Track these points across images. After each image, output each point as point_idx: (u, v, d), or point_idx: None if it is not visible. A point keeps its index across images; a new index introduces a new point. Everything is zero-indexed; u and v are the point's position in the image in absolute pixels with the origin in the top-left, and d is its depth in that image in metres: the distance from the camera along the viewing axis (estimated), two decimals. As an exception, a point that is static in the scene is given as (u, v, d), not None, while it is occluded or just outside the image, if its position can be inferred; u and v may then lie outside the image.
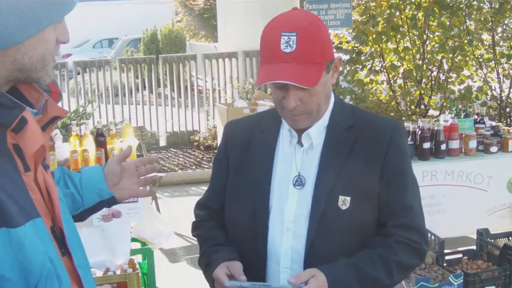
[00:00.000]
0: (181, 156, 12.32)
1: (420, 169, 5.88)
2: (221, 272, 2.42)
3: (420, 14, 10.37)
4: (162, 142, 13.28)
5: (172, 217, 8.20)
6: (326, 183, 2.43)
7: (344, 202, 2.41)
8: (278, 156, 2.55)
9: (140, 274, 5.51)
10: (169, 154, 12.48)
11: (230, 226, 2.65)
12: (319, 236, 2.40)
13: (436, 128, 6.09)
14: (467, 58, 10.65)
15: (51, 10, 1.89)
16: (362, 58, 10.58)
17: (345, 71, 10.65)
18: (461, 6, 10.27)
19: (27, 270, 1.82)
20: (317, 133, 2.50)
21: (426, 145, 5.99)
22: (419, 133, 6.02)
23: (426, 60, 10.45)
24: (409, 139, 6.02)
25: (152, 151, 12.25)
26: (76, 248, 2.05)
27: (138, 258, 6.07)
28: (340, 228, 2.41)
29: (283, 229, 2.47)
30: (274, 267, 2.49)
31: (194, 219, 2.85)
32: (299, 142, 2.52)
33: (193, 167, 11.45)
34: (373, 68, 10.67)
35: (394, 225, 2.46)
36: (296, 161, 2.51)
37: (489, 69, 10.96)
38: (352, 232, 2.43)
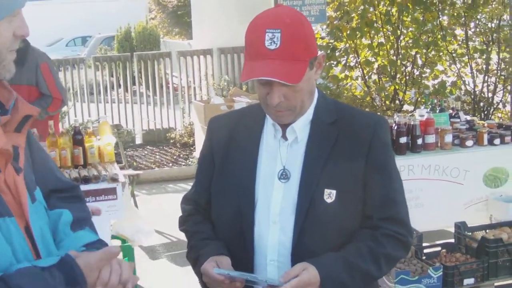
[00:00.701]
0: (157, 153, 12.31)
1: (397, 164, 5.85)
2: (210, 267, 2.44)
3: (394, 10, 10.44)
4: (138, 140, 13.28)
5: (150, 214, 8.20)
6: (312, 176, 2.47)
7: (329, 195, 2.44)
8: (262, 151, 2.58)
9: (120, 271, 5.50)
10: (146, 152, 12.46)
11: (216, 220, 2.67)
12: (306, 229, 2.44)
13: (412, 123, 6.14)
14: (441, 53, 10.73)
15: (1, 4, 1.87)
16: (337, 54, 10.61)
17: (320, 67, 10.68)
18: (434, 1, 10.34)
19: None
20: (301, 127, 2.53)
21: (403, 139, 6.04)
22: (395, 128, 6.07)
23: (400, 56, 10.51)
24: (385, 134, 6.08)
25: (128, 149, 12.22)
26: (52, 252, 2.06)
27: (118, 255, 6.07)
28: (326, 221, 2.45)
29: (269, 222, 2.50)
30: (261, 260, 2.52)
31: (176, 214, 2.87)
32: (284, 136, 2.55)
33: (170, 164, 11.45)
34: (347, 64, 10.72)
35: (380, 218, 2.50)
36: (281, 155, 2.53)
37: (463, 64, 11.04)
38: (338, 224, 2.47)
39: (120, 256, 5.58)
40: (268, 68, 2.30)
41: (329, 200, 2.44)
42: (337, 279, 2.38)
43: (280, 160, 2.53)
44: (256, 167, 2.56)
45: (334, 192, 2.45)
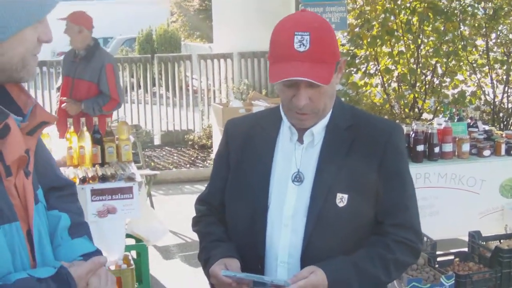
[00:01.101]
0: (175, 154, 12.36)
1: (413, 171, 5.83)
2: (218, 269, 2.46)
3: (414, 19, 10.41)
4: (157, 141, 13.33)
5: (166, 215, 8.23)
6: (325, 180, 2.49)
7: (341, 199, 2.46)
8: (278, 153, 2.60)
9: (134, 270, 5.55)
10: (164, 153, 12.52)
11: (230, 221, 2.69)
12: (316, 232, 2.46)
13: (429, 131, 6.14)
14: (461, 63, 10.69)
15: (30, 10, 1.91)
16: (357, 61, 10.60)
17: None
18: (455, 11, 10.32)
19: None
20: (317, 131, 2.56)
21: (420, 147, 6.05)
22: (412, 135, 6.08)
23: (420, 64, 10.48)
24: (403, 141, 6.08)
25: (146, 149, 12.28)
26: (46, 256, 2.10)
27: (132, 254, 6.12)
28: (337, 225, 2.46)
29: (281, 224, 2.52)
30: (272, 262, 2.54)
31: (192, 215, 2.89)
32: (299, 140, 2.57)
33: (188, 165, 11.49)
34: (367, 71, 10.70)
35: (391, 224, 2.52)
36: (296, 158, 2.56)
37: (483, 74, 11.01)
38: (349, 229, 2.48)
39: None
40: (299, 69, 2.33)
41: (341, 205, 2.46)
42: (345, 283, 2.40)
43: (295, 163, 2.56)
44: (271, 170, 2.59)
45: (346, 196, 2.47)
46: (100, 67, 7.42)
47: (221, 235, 2.70)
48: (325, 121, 2.57)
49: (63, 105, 7.43)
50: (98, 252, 2.30)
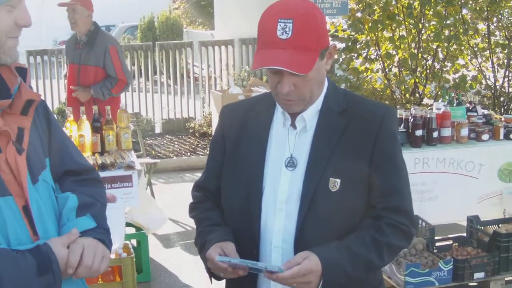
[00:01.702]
0: (176, 142, 12.36)
1: (412, 156, 5.93)
2: (214, 252, 2.47)
3: (416, 3, 10.39)
4: (158, 129, 13.33)
5: (166, 203, 8.25)
6: (317, 165, 2.50)
7: (334, 184, 2.47)
8: (272, 138, 2.61)
9: (134, 258, 5.57)
10: (165, 141, 12.52)
11: (225, 206, 2.71)
12: (310, 217, 2.47)
13: (428, 116, 6.13)
14: (462, 47, 10.66)
15: None
16: (358, 46, 10.59)
17: (341, 59, 10.67)
18: (456, -5, 10.29)
19: None
20: (310, 116, 2.56)
21: (418, 132, 6.04)
22: (411, 120, 6.07)
23: (421, 49, 10.47)
24: (401, 126, 6.07)
25: (147, 138, 12.29)
26: (49, 231, 2.16)
27: (132, 243, 6.14)
28: (330, 210, 2.47)
29: (275, 209, 2.53)
30: (267, 246, 2.55)
31: (190, 202, 2.90)
32: (293, 125, 2.58)
33: (188, 153, 11.50)
34: (368, 57, 10.69)
35: (384, 208, 2.52)
36: (289, 143, 2.57)
37: (484, 59, 11.00)
38: (342, 213, 2.49)
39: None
40: (279, 58, 2.33)
41: (333, 189, 2.47)
42: (339, 268, 2.40)
43: (288, 148, 2.57)
44: (265, 155, 2.60)
45: (338, 181, 2.47)
46: (104, 51, 7.47)
47: (217, 220, 2.71)
48: (317, 105, 2.57)
49: (73, 93, 7.48)
50: (98, 229, 2.33)
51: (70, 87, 7.58)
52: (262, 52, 2.41)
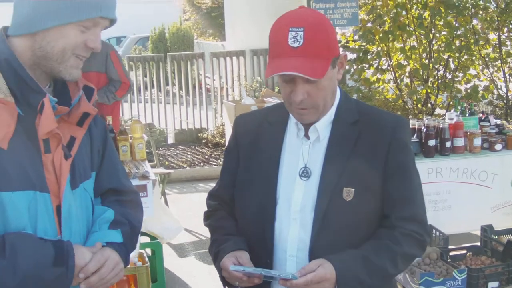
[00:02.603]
0: (189, 153, 12.40)
1: (425, 166, 5.94)
2: (228, 261, 2.50)
3: (426, 14, 10.41)
4: (171, 140, 13.37)
5: (180, 213, 8.28)
6: (331, 175, 2.52)
7: (348, 193, 2.49)
8: (285, 148, 2.64)
9: (149, 267, 5.59)
10: (178, 151, 12.55)
11: (239, 215, 2.74)
12: (324, 226, 2.49)
13: (441, 126, 6.15)
14: (474, 58, 10.69)
15: (74, 10, 2.13)
16: (369, 57, 10.62)
17: (352, 70, 10.70)
18: (467, 5, 10.30)
19: (5, 231, 2.09)
20: (323, 127, 2.59)
21: (431, 142, 6.05)
22: (424, 130, 6.08)
23: (433, 59, 10.49)
24: (414, 136, 6.09)
25: (160, 148, 12.33)
26: (73, 233, 2.27)
27: (147, 252, 6.16)
28: (344, 219, 2.50)
29: (290, 219, 2.56)
30: (281, 255, 2.58)
31: (205, 210, 2.94)
32: (306, 135, 2.61)
33: (201, 164, 11.53)
34: (379, 67, 10.71)
35: (398, 217, 2.54)
36: (303, 154, 2.59)
37: (496, 69, 11.01)
38: (356, 223, 2.51)
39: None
40: (292, 64, 2.36)
41: (347, 199, 2.49)
42: (353, 276, 2.42)
43: (302, 158, 2.59)
44: (279, 165, 2.63)
45: (352, 190, 2.49)
46: (105, 56, 7.56)
47: (231, 229, 2.74)
48: (330, 116, 2.60)
49: None
50: (122, 246, 2.42)
51: None
52: (274, 60, 2.44)
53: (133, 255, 5.57)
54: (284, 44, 2.38)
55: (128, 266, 5.40)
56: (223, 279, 2.62)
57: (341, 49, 10.38)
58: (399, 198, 2.55)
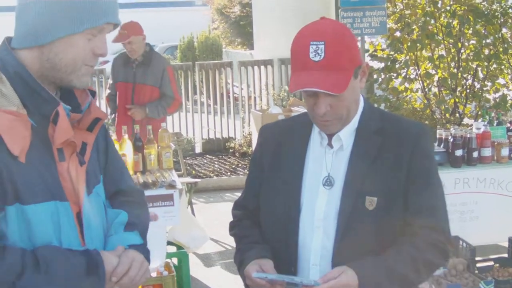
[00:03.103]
0: (216, 162, 12.43)
1: (452, 176, 5.91)
2: (252, 269, 2.53)
3: (455, 22, 10.37)
4: (198, 149, 13.41)
5: (207, 222, 8.30)
6: (354, 184, 2.54)
7: (371, 202, 2.51)
8: (309, 157, 2.66)
9: (175, 277, 5.62)
10: (205, 161, 12.59)
11: (264, 224, 2.76)
12: (347, 235, 2.50)
13: (468, 136, 6.11)
14: (502, 67, 10.58)
15: (82, 18, 2.13)
16: (397, 66, 10.58)
17: (380, 79, 10.68)
18: (496, 14, 10.24)
19: (33, 245, 2.10)
20: (347, 135, 2.61)
21: (458, 152, 6.02)
22: (451, 140, 6.05)
23: (461, 68, 10.43)
24: (441, 146, 6.06)
25: (188, 157, 12.37)
26: (95, 239, 2.30)
27: (173, 261, 6.19)
28: (367, 227, 2.50)
29: (313, 227, 2.58)
30: (305, 264, 2.59)
31: (230, 220, 2.97)
32: (329, 144, 2.62)
33: (229, 173, 11.56)
34: (407, 76, 10.67)
35: (421, 226, 2.54)
36: (326, 162, 2.61)
37: (525, 78, 10.91)
38: (379, 231, 2.52)
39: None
40: (313, 79, 2.39)
41: (370, 207, 2.51)
42: (375, 283, 2.43)
43: (326, 167, 2.61)
44: (303, 174, 2.65)
45: (375, 199, 2.51)
46: (161, 71, 7.58)
47: (256, 237, 2.76)
48: (353, 125, 2.62)
49: (129, 112, 7.50)
50: (144, 246, 2.48)
51: (126, 106, 7.58)
52: (296, 74, 2.47)
53: (159, 264, 5.60)
54: (306, 58, 2.41)
55: (155, 275, 5.46)
56: (247, 287, 2.64)
57: (369, 58, 10.49)
58: (421, 206, 2.55)
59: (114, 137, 6.04)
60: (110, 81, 8.17)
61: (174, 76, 7.81)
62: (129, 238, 2.42)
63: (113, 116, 7.98)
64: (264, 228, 2.76)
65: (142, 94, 7.58)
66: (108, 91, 8.24)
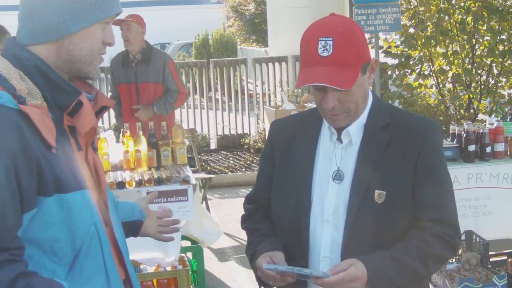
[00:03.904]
0: (231, 158, 12.49)
1: (465, 172, 5.91)
2: (263, 261, 2.56)
3: (469, 19, 10.37)
4: (213, 145, 13.48)
5: (221, 218, 8.36)
6: (363, 178, 2.57)
7: (380, 196, 2.54)
8: (319, 152, 2.70)
9: (190, 271, 5.67)
10: (220, 157, 12.65)
11: (275, 218, 2.80)
12: (356, 228, 2.54)
13: (481, 131, 6.10)
14: (517, 62, 10.60)
15: (100, 8, 2.19)
16: (411, 62, 10.60)
17: (394, 76, 10.70)
18: (510, 10, 10.23)
19: (73, 232, 2.12)
20: (355, 130, 2.64)
21: (471, 147, 6.01)
22: (464, 135, 6.05)
23: (475, 64, 10.43)
24: (454, 141, 6.06)
25: (203, 154, 12.43)
26: (115, 222, 2.36)
27: (188, 256, 6.24)
28: (376, 221, 2.53)
29: (323, 220, 2.61)
30: (315, 257, 2.63)
31: (242, 214, 3.02)
32: (339, 139, 2.66)
33: (243, 169, 11.61)
34: (422, 72, 10.68)
35: (429, 219, 2.57)
36: (336, 157, 2.65)
37: (540, 74, 10.89)
38: (388, 225, 2.55)
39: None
40: (321, 75, 2.43)
41: (379, 201, 2.54)
42: (384, 276, 2.45)
43: (335, 161, 2.65)
44: (313, 168, 2.68)
45: (384, 193, 2.54)
46: (163, 66, 7.49)
47: (267, 231, 2.80)
48: (362, 120, 2.65)
49: (135, 113, 7.42)
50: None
51: (133, 106, 7.48)
52: (305, 70, 2.51)
53: (174, 258, 5.65)
54: (314, 54, 2.45)
55: (169, 269, 5.51)
56: (258, 279, 2.68)
57: (383, 55, 10.48)
58: (430, 200, 2.58)
59: (127, 133, 6.07)
60: (110, 83, 8.04)
61: (176, 70, 7.71)
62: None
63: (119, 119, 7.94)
64: (275, 222, 2.80)
65: (146, 93, 7.52)
66: (109, 94, 8.12)
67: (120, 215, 2.60)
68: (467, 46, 10.48)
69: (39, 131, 2.05)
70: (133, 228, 2.76)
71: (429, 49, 10.48)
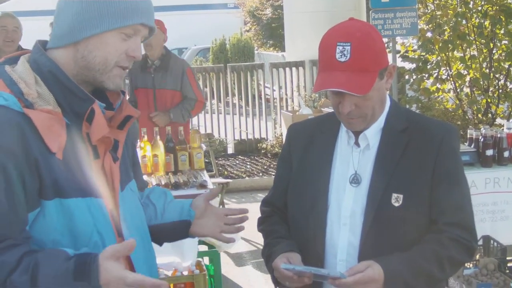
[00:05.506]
0: (248, 163, 12.49)
1: (483, 176, 5.89)
2: (280, 261, 2.58)
3: (486, 23, 10.31)
4: (230, 150, 13.49)
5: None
6: (380, 181, 2.58)
7: (397, 199, 2.55)
8: (336, 156, 2.72)
9: (207, 275, 5.67)
10: (237, 161, 12.65)
11: (292, 221, 2.82)
12: (373, 231, 2.55)
13: (499, 135, 6.08)
14: (535, 67, 10.54)
15: (116, 16, 2.16)
16: (429, 66, 10.56)
17: (412, 80, 10.67)
18: (528, 14, 10.19)
19: (75, 238, 2.13)
20: (373, 134, 2.66)
21: (489, 152, 5.99)
22: (481, 140, 6.03)
23: (493, 69, 10.37)
24: (472, 146, 6.05)
25: (220, 158, 12.44)
26: (132, 234, 2.30)
27: (205, 261, 6.24)
28: (393, 224, 2.55)
29: (340, 224, 2.63)
30: (332, 260, 2.64)
31: (259, 216, 3.04)
32: (356, 143, 2.67)
33: (260, 174, 11.61)
34: (439, 77, 10.64)
35: (446, 223, 2.58)
36: (353, 161, 2.67)
37: (558, 78, 10.83)
38: (404, 228, 2.56)
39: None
40: (338, 80, 2.45)
41: (396, 204, 2.55)
42: (400, 278, 2.47)
43: (353, 165, 2.66)
44: (331, 172, 2.70)
45: (401, 196, 2.55)
46: (181, 74, 7.45)
47: (283, 233, 2.82)
48: (380, 124, 2.67)
49: (153, 119, 7.35)
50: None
51: (150, 115, 7.38)
52: (322, 75, 2.53)
53: (191, 263, 5.66)
54: (332, 59, 2.46)
55: (186, 274, 5.52)
56: (275, 280, 2.70)
57: (400, 59, 10.47)
58: (447, 204, 2.59)
59: (145, 138, 6.10)
60: (128, 87, 8.04)
61: (194, 77, 7.67)
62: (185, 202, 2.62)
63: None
64: (292, 225, 2.82)
65: (163, 99, 7.47)
66: (128, 96, 8.14)
67: (167, 215, 2.62)
68: (484, 50, 10.43)
69: (41, 137, 2.06)
70: (180, 229, 2.66)
71: (447, 53, 10.43)
